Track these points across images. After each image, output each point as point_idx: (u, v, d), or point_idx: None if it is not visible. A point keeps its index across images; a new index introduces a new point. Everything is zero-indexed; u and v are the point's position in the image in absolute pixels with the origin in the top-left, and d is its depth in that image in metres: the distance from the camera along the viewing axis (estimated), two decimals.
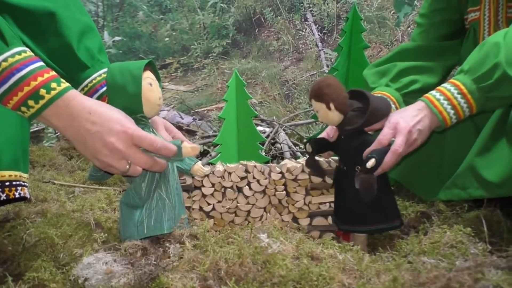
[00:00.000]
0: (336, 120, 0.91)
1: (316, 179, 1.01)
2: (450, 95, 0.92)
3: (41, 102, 0.73)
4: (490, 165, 1.04)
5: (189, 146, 0.83)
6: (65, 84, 0.76)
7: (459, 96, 0.91)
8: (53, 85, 0.74)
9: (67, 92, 0.75)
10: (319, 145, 0.99)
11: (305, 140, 1.01)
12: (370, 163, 0.85)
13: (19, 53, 0.74)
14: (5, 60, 0.72)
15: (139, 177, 0.83)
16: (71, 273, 0.75)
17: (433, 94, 0.94)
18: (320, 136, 1.05)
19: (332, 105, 0.88)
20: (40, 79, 0.73)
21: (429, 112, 0.92)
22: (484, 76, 0.90)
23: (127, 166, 0.77)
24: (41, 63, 0.76)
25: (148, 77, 0.85)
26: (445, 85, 0.94)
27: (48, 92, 0.73)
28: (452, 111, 0.92)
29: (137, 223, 0.82)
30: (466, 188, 1.07)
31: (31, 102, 0.73)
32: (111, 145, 0.74)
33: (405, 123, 0.90)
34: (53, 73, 0.76)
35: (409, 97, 1.18)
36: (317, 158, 1.02)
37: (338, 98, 0.89)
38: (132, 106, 0.82)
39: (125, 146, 0.75)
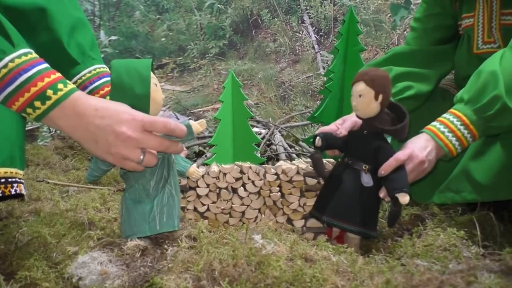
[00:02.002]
0: (373, 112, 0.90)
1: (311, 181, 1.01)
2: (453, 127, 0.95)
3: (48, 103, 0.73)
4: (484, 169, 1.05)
5: (197, 123, 0.83)
6: (71, 86, 0.76)
7: (462, 127, 0.94)
8: (60, 86, 0.74)
9: (73, 93, 0.75)
10: (329, 141, 0.98)
11: (315, 133, 0.99)
12: (406, 199, 0.85)
13: (25, 54, 0.74)
14: (11, 61, 0.72)
15: (148, 173, 0.83)
16: (66, 271, 0.74)
17: (437, 126, 0.96)
18: (328, 127, 1.04)
19: (381, 97, 0.88)
20: (47, 80, 0.73)
21: (435, 144, 0.95)
22: (485, 107, 0.93)
23: (141, 156, 0.77)
24: (47, 65, 0.76)
25: (152, 77, 0.85)
26: (447, 116, 0.97)
27: (55, 93, 0.73)
28: (457, 143, 0.95)
29: (149, 219, 0.82)
30: (460, 191, 1.08)
31: (37, 103, 0.72)
32: (123, 134, 0.74)
33: (419, 153, 0.93)
34: (58, 74, 0.76)
35: (402, 103, 1.18)
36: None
37: (389, 93, 0.89)
38: (139, 107, 0.82)
39: (137, 133, 0.75)
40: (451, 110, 0.98)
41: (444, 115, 0.98)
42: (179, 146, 0.81)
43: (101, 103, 0.76)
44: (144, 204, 0.83)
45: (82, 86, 1.05)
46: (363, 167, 0.91)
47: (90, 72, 1.06)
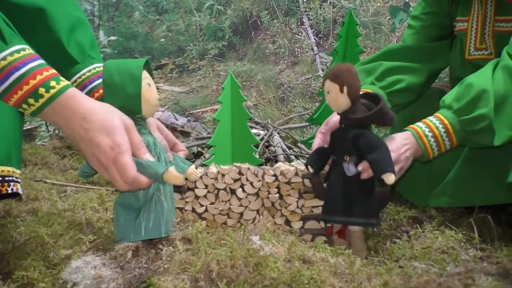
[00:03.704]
0: (344, 105, 0.91)
1: (310, 183, 1.01)
2: (437, 133, 0.97)
3: (41, 100, 0.73)
4: (479, 173, 1.06)
5: (174, 175, 0.79)
6: (64, 82, 0.76)
7: (444, 134, 0.97)
8: (52, 83, 0.74)
9: (66, 91, 0.75)
10: (319, 161, 0.98)
11: (305, 164, 1.00)
12: (391, 178, 0.85)
13: (18, 51, 0.74)
14: (4, 58, 0.72)
15: None
16: (60, 277, 0.74)
17: (423, 129, 0.98)
18: (314, 144, 1.05)
19: (345, 89, 0.89)
20: (39, 77, 0.73)
21: (415, 144, 0.98)
22: (471, 121, 0.96)
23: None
24: (41, 61, 0.76)
25: (146, 77, 0.84)
26: (434, 121, 0.99)
27: (47, 91, 0.73)
28: (436, 148, 0.98)
29: (135, 225, 0.81)
30: (455, 195, 1.08)
31: (31, 101, 0.73)
32: (97, 156, 0.75)
33: (397, 150, 0.95)
34: (52, 71, 0.76)
35: (393, 96, 1.19)
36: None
37: (353, 84, 0.90)
38: (131, 107, 0.81)
39: (107, 163, 0.76)
40: (438, 115, 1.00)
41: (431, 118, 1.00)
42: (139, 187, 0.79)
43: (92, 112, 0.75)
44: (132, 209, 0.82)
45: (81, 85, 1.05)
46: (344, 158, 0.92)
47: (89, 71, 1.06)
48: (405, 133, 0.99)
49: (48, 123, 2.55)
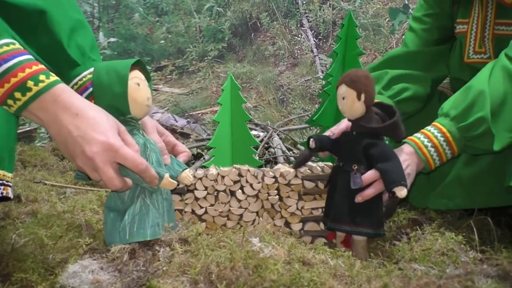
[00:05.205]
0: (358, 112, 0.90)
1: (309, 184, 1.01)
2: (437, 142, 0.96)
3: (29, 94, 0.71)
4: (476, 176, 1.06)
5: (169, 181, 0.81)
6: (54, 78, 0.74)
7: (444, 143, 0.96)
8: (42, 77, 0.72)
9: (55, 86, 0.73)
10: (322, 143, 0.98)
11: (309, 136, 0.99)
12: (404, 192, 0.85)
13: (7, 44, 0.72)
14: None
15: None
16: (57, 281, 0.73)
17: (422, 140, 0.97)
18: (325, 134, 1.04)
19: (363, 96, 0.87)
20: (28, 70, 0.72)
21: (416, 157, 0.96)
22: (469, 127, 0.94)
23: (100, 178, 0.75)
24: (30, 56, 0.74)
25: (136, 76, 0.83)
26: (432, 130, 0.97)
27: (36, 84, 0.71)
28: (437, 158, 0.97)
29: (120, 229, 0.79)
30: (453, 198, 1.08)
31: (18, 94, 0.71)
32: (90, 153, 0.72)
33: None
34: (41, 66, 0.74)
35: (401, 105, 1.18)
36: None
37: (371, 92, 0.88)
38: (119, 106, 0.81)
39: (102, 161, 0.73)
40: (436, 123, 0.98)
41: (429, 128, 0.98)
42: (129, 188, 0.79)
43: (84, 109, 0.74)
44: (117, 212, 0.81)
45: (83, 88, 1.04)
46: (353, 167, 0.90)
47: (90, 73, 1.05)
48: (406, 147, 0.97)
49: None
